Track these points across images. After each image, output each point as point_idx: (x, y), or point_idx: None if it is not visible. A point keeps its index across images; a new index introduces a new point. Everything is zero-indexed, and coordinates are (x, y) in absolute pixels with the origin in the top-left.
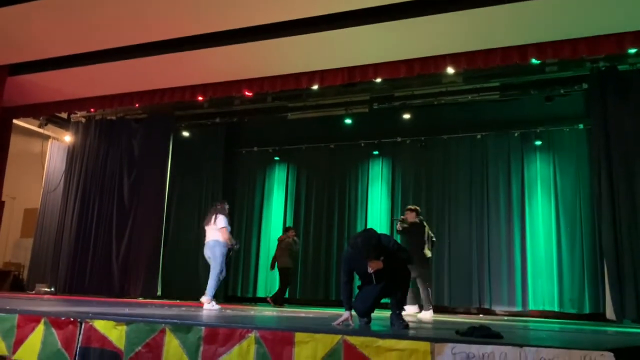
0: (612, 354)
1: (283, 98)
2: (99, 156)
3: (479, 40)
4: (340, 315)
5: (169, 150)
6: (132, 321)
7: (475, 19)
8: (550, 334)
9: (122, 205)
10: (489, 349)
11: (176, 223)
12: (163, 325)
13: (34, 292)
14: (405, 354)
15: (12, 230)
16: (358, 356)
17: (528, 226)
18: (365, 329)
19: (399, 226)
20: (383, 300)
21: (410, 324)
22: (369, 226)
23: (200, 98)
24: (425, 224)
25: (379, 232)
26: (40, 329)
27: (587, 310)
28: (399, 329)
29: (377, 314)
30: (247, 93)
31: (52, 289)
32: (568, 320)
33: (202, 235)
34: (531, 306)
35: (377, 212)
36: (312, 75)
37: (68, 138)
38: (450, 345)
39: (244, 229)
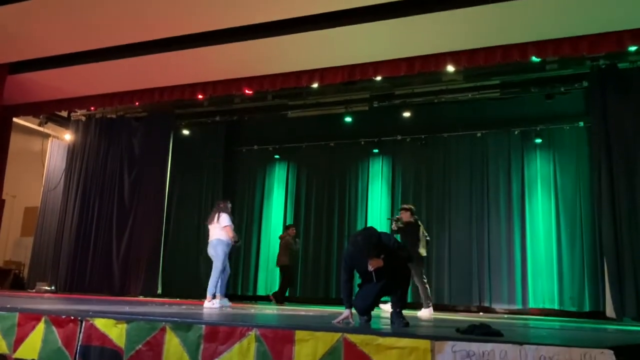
0: (612, 352)
1: (283, 96)
2: (99, 154)
3: (480, 38)
4: (341, 314)
5: (169, 148)
6: (133, 319)
7: (476, 17)
8: (550, 331)
9: (122, 203)
10: (489, 347)
11: (176, 221)
12: (163, 323)
13: (34, 290)
14: (406, 352)
15: (13, 228)
16: (358, 354)
17: (528, 224)
18: (365, 327)
19: (394, 225)
20: (383, 299)
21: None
22: (369, 224)
23: (200, 96)
24: (420, 223)
25: (379, 230)
26: (40, 327)
27: (587, 308)
28: (399, 327)
29: (377, 312)
30: (247, 91)
31: (53, 288)
32: (568, 318)
33: (202, 233)
34: (531, 304)
35: (377, 210)
36: (312, 74)
37: (68, 136)
38: (450, 343)
39: (244, 228)
